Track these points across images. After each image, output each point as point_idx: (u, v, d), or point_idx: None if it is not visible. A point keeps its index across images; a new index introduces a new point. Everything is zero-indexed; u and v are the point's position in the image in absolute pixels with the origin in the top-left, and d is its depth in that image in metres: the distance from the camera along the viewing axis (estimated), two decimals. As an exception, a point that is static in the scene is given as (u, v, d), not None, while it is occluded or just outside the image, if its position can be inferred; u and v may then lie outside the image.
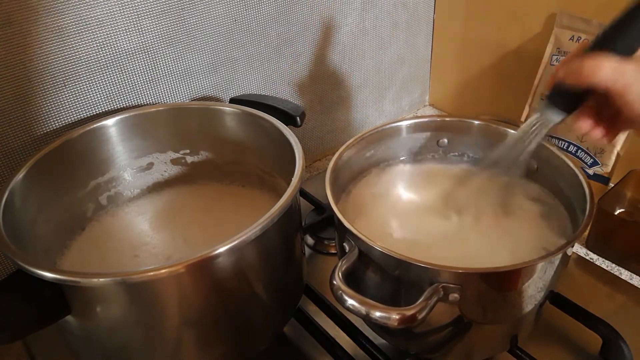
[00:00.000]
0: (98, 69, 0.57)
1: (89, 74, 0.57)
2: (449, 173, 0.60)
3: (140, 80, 0.61)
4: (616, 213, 0.69)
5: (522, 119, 0.79)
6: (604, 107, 0.42)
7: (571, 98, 0.44)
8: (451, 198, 0.57)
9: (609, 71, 0.38)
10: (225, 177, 0.62)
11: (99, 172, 0.57)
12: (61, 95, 0.56)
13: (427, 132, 0.60)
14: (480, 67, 0.89)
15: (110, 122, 0.56)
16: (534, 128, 0.48)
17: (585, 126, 0.44)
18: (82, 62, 0.56)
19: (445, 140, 0.60)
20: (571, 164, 0.50)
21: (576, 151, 0.73)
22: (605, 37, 0.41)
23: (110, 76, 0.58)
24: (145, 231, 0.57)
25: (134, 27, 0.58)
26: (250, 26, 0.67)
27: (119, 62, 0.58)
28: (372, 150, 0.59)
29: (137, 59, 0.60)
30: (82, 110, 0.58)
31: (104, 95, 0.59)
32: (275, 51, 0.72)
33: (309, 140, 0.84)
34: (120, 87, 0.60)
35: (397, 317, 0.38)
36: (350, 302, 0.40)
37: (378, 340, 0.52)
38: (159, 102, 0.63)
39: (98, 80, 0.58)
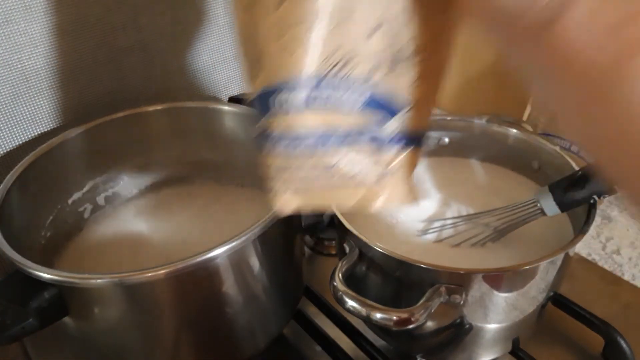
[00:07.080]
0: (96, 67, 0.56)
1: (87, 73, 0.56)
2: (450, 173, 0.60)
3: (138, 79, 0.60)
4: (618, 213, 0.69)
5: (524, 118, 0.78)
6: None
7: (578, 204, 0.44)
8: (452, 197, 0.56)
9: None
10: (224, 176, 0.62)
11: (96, 172, 0.56)
12: (58, 94, 0.55)
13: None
14: (481, 66, 0.88)
15: (107, 121, 0.55)
16: (522, 211, 0.48)
17: None
18: (79, 60, 0.55)
19: (446, 140, 0.60)
20: (573, 164, 0.50)
21: (578, 150, 0.72)
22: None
23: (108, 75, 0.58)
24: (143, 232, 0.57)
25: (132, 25, 0.57)
26: (250, 25, 0.67)
27: (117, 61, 0.58)
28: (372, 149, 0.58)
29: (136, 58, 0.59)
30: (79, 110, 0.57)
31: (101, 94, 0.58)
32: (274, 50, 0.71)
33: (309, 139, 0.84)
34: (118, 86, 0.59)
35: (398, 318, 0.38)
36: (351, 303, 0.39)
37: (379, 342, 0.52)
38: (157, 102, 0.63)
39: (96, 78, 0.57)
